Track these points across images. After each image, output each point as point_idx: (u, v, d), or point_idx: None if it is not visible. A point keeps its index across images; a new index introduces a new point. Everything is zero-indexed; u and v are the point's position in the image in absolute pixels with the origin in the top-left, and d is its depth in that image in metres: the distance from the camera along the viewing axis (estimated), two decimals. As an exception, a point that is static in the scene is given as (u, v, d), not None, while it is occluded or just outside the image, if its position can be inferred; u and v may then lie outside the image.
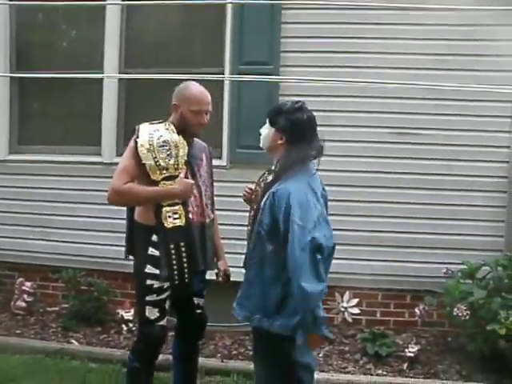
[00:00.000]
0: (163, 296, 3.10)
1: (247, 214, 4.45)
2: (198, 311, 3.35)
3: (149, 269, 3.06)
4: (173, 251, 3.03)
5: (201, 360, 3.79)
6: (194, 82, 3.18)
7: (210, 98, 3.17)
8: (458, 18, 4.49)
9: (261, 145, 2.87)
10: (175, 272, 3.04)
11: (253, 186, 3.09)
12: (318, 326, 2.49)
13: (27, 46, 5.51)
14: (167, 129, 3.09)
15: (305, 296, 2.42)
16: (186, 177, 3.08)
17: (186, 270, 3.06)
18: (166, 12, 5.24)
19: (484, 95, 4.48)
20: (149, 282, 3.06)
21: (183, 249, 3.05)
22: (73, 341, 4.55)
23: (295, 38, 4.79)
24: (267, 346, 2.66)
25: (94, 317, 4.86)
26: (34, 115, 5.63)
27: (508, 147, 4.65)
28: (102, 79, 5.04)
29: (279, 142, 2.72)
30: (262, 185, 2.94)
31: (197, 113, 3.10)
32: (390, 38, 4.67)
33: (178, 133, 3.09)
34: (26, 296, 5.07)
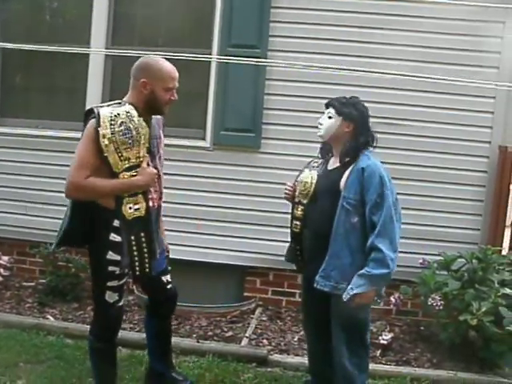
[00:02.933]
0: (123, 280, 3.06)
1: (228, 196, 4.50)
2: (169, 286, 3.32)
3: (110, 255, 2.95)
4: (133, 242, 2.94)
5: (176, 340, 3.83)
6: (160, 58, 3.05)
7: (177, 73, 3.04)
8: (450, 11, 4.53)
9: (321, 133, 3.14)
10: (136, 264, 2.97)
11: (292, 184, 3.30)
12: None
13: (12, 17, 5.42)
14: (128, 112, 2.91)
15: (390, 262, 2.88)
16: (148, 165, 2.96)
17: (146, 260, 2.99)
18: (156, -10, 5.21)
19: (469, 90, 4.52)
20: (110, 268, 2.97)
21: (143, 239, 2.97)
22: (49, 316, 4.54)
23: (284, 22, 4.79)
24: (347, 310, 2.96)
25: (71, 293, 4.86)
26: (17, 88, 5.55)
27: (489, 142, 4.71)
28: (88, 54, 4.99)
29: (346, 129, 3.07)
30: (314, 170, 3.22)
31: (170, 90, 2.97)
32: (379, 28, 4.68)
33: (140, 114, 2.93)
34: (2, 270, 5.03)
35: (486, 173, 4.74)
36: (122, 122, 2.87)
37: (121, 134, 2.85)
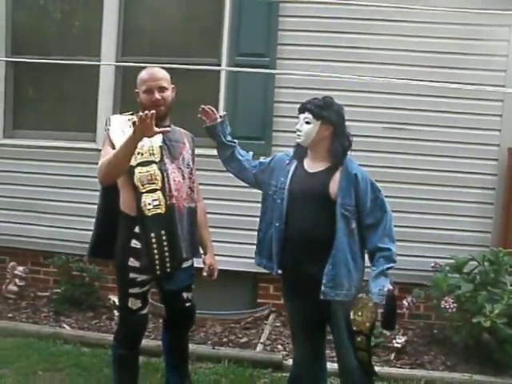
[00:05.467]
0: (146, 288, 3.08)
1: (241, 204, 4.52)
2: (187, 305, 3.28)
3: (131, 262, 2.99)
4: (153, 240, 2.94)
5: (192, 346, 3.84)
6: (149, 67, 3.17)
7: (160, 74, 3.09)
8: (458, 16, 4.56)
9: (301, 140, 3.08)
10: (156, 262, 2.96)
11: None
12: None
13: (24, 31, 5.51)
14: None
15: (395, 257, 2.99)
16: (163, 160, 3.02)
17: (167, 260, 2.98)
18: (165, 0, 5.26)
19: (477, 94, 4.55)
20: (132, 275, 3.01)
21: (164, 237, 2.96)
22: (65, 325, 4.59)
23: (292, 31, 4.85)
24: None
25: (86, 302, 4.91)
26: (29, 100, 5.63)
27: (498, 145, 4.75)
28: (98, 66, 5.06)
29: (325, 133, 3.04)
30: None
31: (147, 92, 3.05)
32: (386, 34, 4.74)
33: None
34: (17, 280, 5.10)
35: (495, 175, 4.77)
36: (131, 125, 2.95)
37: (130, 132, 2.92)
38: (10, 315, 4.74)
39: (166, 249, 2.98)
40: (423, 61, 4.69)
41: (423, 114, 4.75)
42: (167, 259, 2.99)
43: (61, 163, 5.19)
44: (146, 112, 2.74)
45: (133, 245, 3.00)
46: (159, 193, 2.98)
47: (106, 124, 3.11)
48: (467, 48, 4.68)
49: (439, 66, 4.66)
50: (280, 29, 4.84)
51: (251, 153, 3.34)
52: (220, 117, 3.26)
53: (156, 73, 3.10)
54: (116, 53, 5.13)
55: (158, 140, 3.03)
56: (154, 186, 2.99)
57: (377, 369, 3.80)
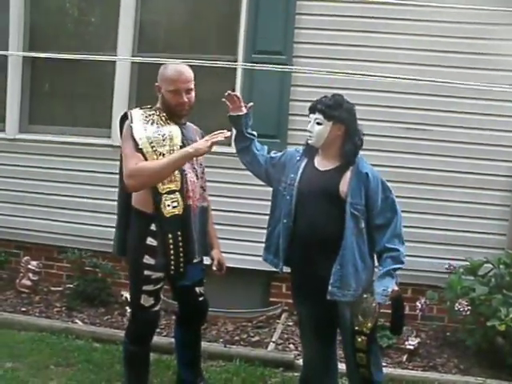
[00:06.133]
0: (160, 285, 3.09)
1: (255, 202, 4.51)
2: (200, 299, 3.31)
3: (146, 259, 3.00)
4: (170, 241, 2.98)
5: (203, 344, 3.84)
6: (177, 63, 3.17)
7: (189, 75, 3.08)
8: (469, 15, 4.52)
9: (313, 142, 3.04)
10: (172, 262, 2.99)
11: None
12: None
13: (41, 27, 5.54)
14: (158, 113, 3.06)
15: (403, 258, 2.97)
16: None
17: (181, 260, 3.01)
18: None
19: (493, 94, 4.50)
20: (146, 272, 3.02)
21: (180, 238, 3.00)
22: (77, 320, 4.60)
23: (309, 29, 4.82)
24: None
25: (98, 298, 4.92)
26: (45, 96, 5.65)
27: (514, 146, 4.70)
28: (114, 62, 5.07)
29: (338, 133, 2.99)
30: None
31: (174, 92, 3.03)
32: (404, 34, 4.69)
33: (168, 118, 3.07)
34: (31, 275, 5.12)
35: (510, 177, 4.72)
36: (154, 121, 3.02)
37: (153, 131, 2.98)
38: (23, 309, 4.77)
39: (181, 249, 3.01)
40: (438, 60, 4.63)
41: (438, 115, 4.70)
42: (181, 259, 3.02)
43: (76, 159, 5.20)
44: (218, 137, 2.88)
45: (148, 242, 3.01)
46: (178, 194, 3.01)
47: (127, 118, 3.03)
48: (481, 48, 4.61)
49: (453, 66, 4.60)
50: (296, 27, 4.82)
51: (266, 147, 3.32)
52: (245, 107, 3.23)
53: (185, 73, 3.08)
54: (132, 49, 5.13)
55: (178, 140, 3.05)
56: (173, 187, 3.01)
57: (389, 371, 3.83)
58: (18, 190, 5.35)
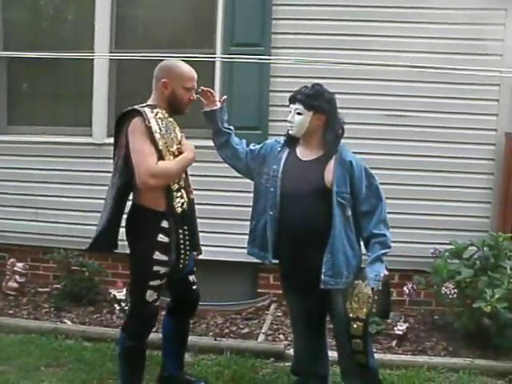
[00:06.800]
0: (164, 280, 3.12)
1: (240, 194, 4.51)
2: (194, 287, 3.38)
3: (157, 255, 3.03)
4: (181, 236, 3.09)
5: (194, 338, 3.86)
6: (178, 61, 3.19)
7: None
8: (452, 1, 4.55)
9: (294, 132, 3.06)
10: (181, 256, 3.11)
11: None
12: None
13: (16, 26, 5.46)
14: (162, 113, 3.07)
15: (390, 243, 3.02)
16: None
17: (188, 253, 3.16)
18: (158, -8, 5.24)
19: (474, 79, 4.53)
20: (156, 268, 3.04)
21: (187, 232, 3.13)
22: (66, 320, 4.58)
23: (286, 19, 4.82)
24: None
25: (86, 297, 4.90)
26: (23, 96, 5.60)
27: (495, 130, 4.73)
28: (92, 59, 5.03)
29: (318, 122, 3.00)
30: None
31: (189, 89, 3.10)
32: (382, 21, 4.71)
33: (169, 114, 3.10)
34: (17, 277, 5.09)
35: (493, 160, 4.76)
36: (162, 120, 3.03)
37: (164, 131, 3.01)
38: (10, 312, 4.74)
39: (187, 243, 3.15)
40: (419, 47, 4.65)
41: (421, 101, 4.73)
42: (188, 253, 3.17)
43: (57, 158, 5.17)
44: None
45: (159, 239, 3.04)
46: (183, 190, 3.12)
47: (137, 117, 2.96)
48: (464, 33, 4.64)
49: (435, 52, 4.63)
50: (274, 18, 4.81)
51: (244, 140, 3.33)
52: (219, 102, 3.24)
53: (194, 72, 3.15)
54: (109, 45, 5.09)
55: (179, 136, 3.13)
56: (181, 184, 3.12)
57: (379, 356, 3.86)
58: (1, 192, 5.30)
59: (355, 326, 3.00)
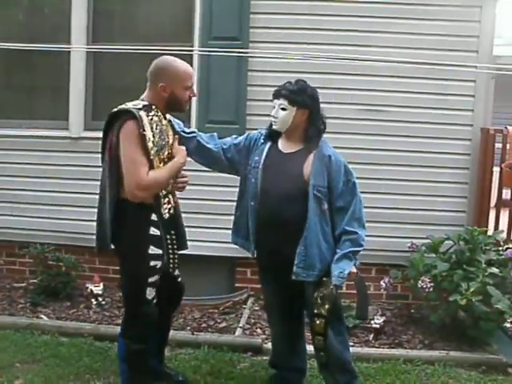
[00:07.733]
0: (160, 275, 3.07)
1: (216, 189, 4.51)
2: (179, 280, 3.34)
3: (152, 249, 2.99)
4: (168, 241, 3.08)
5: (171, 333, 3.84)
6: (172, 58, 3.10)
7: None
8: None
9: (277, 127, 3.09)
10: (170, 260, 3.12)
11: None
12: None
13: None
14: (157, 115, 2.99)
15: (362, 242, 3.03)
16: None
17: (176, 256, 3.17)
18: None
19: (450, 74, 4.58)
20: (152, 262, 3.00)
21: (174, 237, 3.13)
22: (42, 316, 4.53)
23: (265, 14, 4.80)
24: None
25: (63, 292, 4.85)
26: (-2, 89, 5.53)
27: (471, 125, 4.78)
28: (69, 52, 4.97)
29: (302, 117, 3.04)
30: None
31: (188, 88, 3.07)
32: (359, 16, 4.71)
33: (164, 114, 3.07)
34: (-7, 272, 5.03)
35: (469, 155, 4.81)
36: (157, 125, 2.97)
37: (158, 137, 2.94)
38: (-15, 308, 4.68)
39: (175, 246, 3.16)
40: (395, 42, 4.68)
41: (397, 96, 4.76)
42: (176, 255, 3.18)
43: (33, 152, 5.09)
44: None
45: (151, 232, 3.00)
46: (170, 195, 3.12)
47: (131, 120, 2.87)
48: (440, 29, 4.67)
49: (411, 47, 4.66)
50: (252, 12, 4.79)
51: (215, 134, 3.33)
52: (169, 121, 3.18)
53: (191, 68, 3.13)
54: (86, 38, 5.03)
55: (171, 138, 3.09)
56: (168, 189, 3.11)
57: (356, 350, 3.89)
58: (-27, 187, 5.23)
59: (318, 322, 3.03)
